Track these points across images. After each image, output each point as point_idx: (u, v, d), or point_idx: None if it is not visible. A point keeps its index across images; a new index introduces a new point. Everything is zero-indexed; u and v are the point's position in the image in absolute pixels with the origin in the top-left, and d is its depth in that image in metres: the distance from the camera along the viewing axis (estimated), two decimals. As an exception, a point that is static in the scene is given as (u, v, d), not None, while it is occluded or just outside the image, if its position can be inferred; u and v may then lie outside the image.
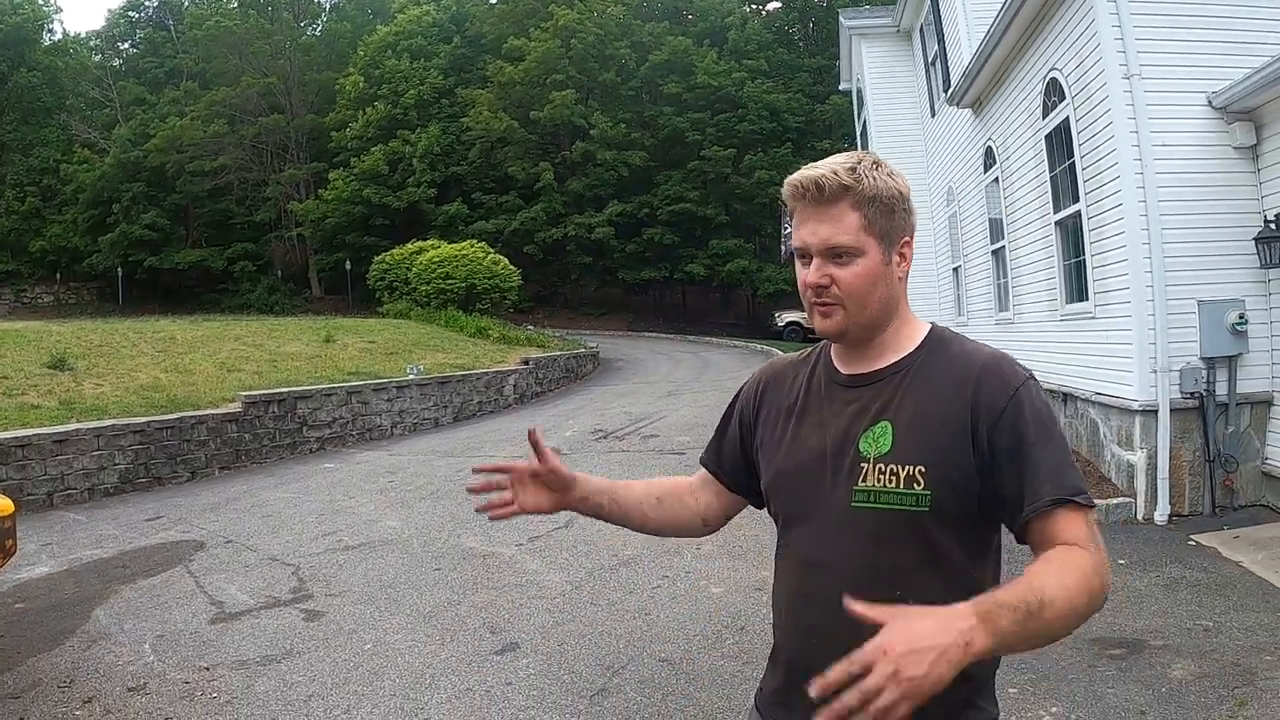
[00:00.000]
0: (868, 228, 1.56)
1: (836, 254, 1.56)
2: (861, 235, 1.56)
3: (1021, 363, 1.59)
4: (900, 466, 1.52)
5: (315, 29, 56.79)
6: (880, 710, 1.20)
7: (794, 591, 1.67)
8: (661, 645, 5.01)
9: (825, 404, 1.66)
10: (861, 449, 1.57)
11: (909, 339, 1.64)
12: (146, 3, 57.70)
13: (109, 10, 68.10)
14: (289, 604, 5.86)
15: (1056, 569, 1.40)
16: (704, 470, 1.94)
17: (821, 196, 1.56)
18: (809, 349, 1.81)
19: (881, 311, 1.60)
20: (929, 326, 1.67)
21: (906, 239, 1.61)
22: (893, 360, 1.62)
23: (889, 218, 1.58)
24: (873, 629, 1.29)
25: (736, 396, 1.90)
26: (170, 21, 55.62)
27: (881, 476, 1.53)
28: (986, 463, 1.50)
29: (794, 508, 1.67)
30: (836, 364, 1.69)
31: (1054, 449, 1.50)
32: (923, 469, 1.51)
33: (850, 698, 1.20)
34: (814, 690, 1.24)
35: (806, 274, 1.59)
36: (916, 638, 1.23)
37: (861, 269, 1.56)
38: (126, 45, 58.36)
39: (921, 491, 1.50)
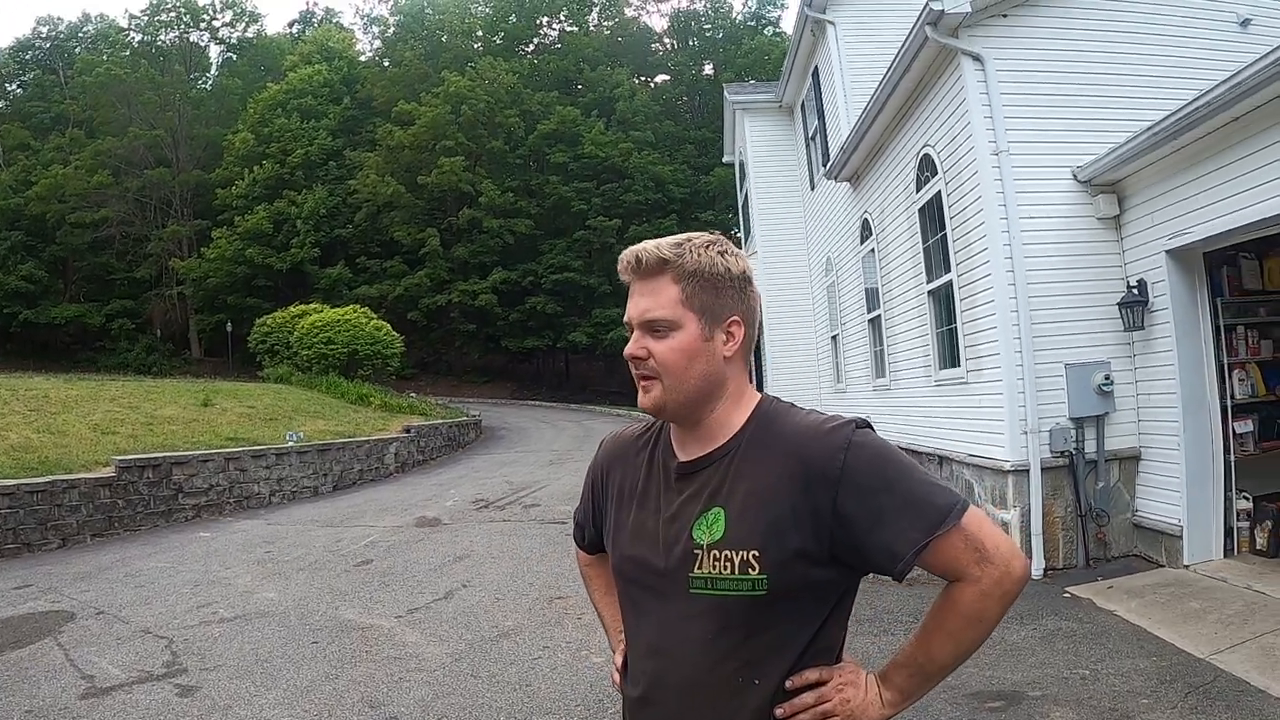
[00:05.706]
0: (686, 302, 1.55)
1: (654, 327, 1.56)
2: (679, 309, 1.54)
3: (847, 414, 1.56)
4: (734, 552, 1.50)
5: (206, 83, 55.75)
6: None
7: (642, 678, 1.64)
8: (543, 717, 4.86)
9: (663, 491, 1.63)
10: (695, 536, 1.54)
11: (739, 418, 1.60)
12: (38, 43, 55.86)
13: (-2, 49, 65.36)
14: (162, 678, 5.53)
15: (938, 619, 1.53)
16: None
17: (640, 269, 1.57)
18: (652, 422, 1.77)
19: (702, 388, 1.57)
20: (756, 401, 1.63)
21: (735, 318, 1.58)
22: (722, 442, 1.59)
23: (713, 295, 1.56)
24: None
25: (589, 473, 1.90)
26: (60, 65, 53.89)
27: (716, 563, 1.51)
28: (841, 534, 1.48)
29: (636, 595, 1.64)
30: (674, 447, 1.66)
31: (900, 488, 1.47)
32: (756, 553, 1.48)
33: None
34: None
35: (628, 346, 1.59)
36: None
37: (677, 343, 1.55)
38: (14, 87, 56.18)
39: (757, 576, 1.48)
